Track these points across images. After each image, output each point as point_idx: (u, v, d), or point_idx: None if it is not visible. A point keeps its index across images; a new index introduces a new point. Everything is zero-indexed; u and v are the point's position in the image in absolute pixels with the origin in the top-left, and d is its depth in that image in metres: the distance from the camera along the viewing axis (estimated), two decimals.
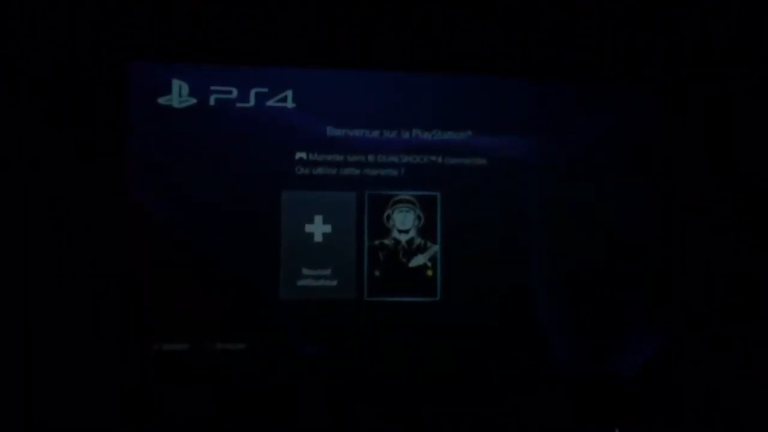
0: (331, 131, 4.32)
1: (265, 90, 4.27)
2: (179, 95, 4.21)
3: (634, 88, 4.42)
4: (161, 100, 4.21)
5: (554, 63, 4.32)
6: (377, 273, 4.31)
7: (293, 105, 4.29)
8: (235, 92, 4.25)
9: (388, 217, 4.34)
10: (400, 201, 4.35)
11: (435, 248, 4.35)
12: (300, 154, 4.30)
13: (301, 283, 4.27)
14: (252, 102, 4.27)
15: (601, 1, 4.28)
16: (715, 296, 4.20)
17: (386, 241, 4.34)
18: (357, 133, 4.34)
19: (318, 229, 4.30)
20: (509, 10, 4.30)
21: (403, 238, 4.34)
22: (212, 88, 4.24)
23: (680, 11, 4.27)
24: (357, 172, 4.34)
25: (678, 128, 4.32)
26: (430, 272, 4.34)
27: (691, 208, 4.27)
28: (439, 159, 4.36)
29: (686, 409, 4.11)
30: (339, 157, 4.32)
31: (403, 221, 4.35)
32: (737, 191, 4.24)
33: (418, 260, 4.36)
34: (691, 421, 4.09)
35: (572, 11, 4.30)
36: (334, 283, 4.29)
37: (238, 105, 4.26)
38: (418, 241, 4.35)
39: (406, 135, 4.36)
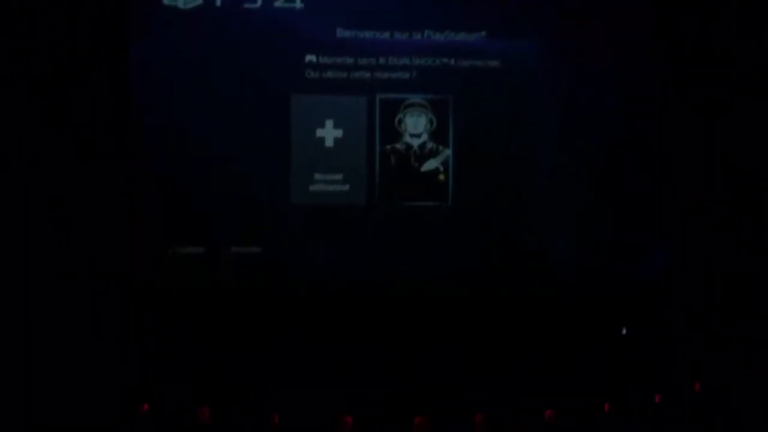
0: (341, 33, 4.20)
1: None
2: None
3: None
4: (166, 1, 4.10)
5: None
6: (388, 178, 4.30)
7: (301, 5, 4.16)
8: None
9: (400, 122, 4.29)
10: (412, 105, 4.28)
11: (447, 152, 4.31)
12: (309, 57, 4.21)
13: (313, 188, 4.28)
14: (259, 2, 4.14)
15: None
16: (720, 206, 4.19)
17: (398, 146, 4.30)
18: (367, 34, 4.21)
19: (329, 133, 4.27)
20: None
21: (415, 142, 4.30)
22: None
23: None
24: (367, 75, 4.25)
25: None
26: (441, 177, 4.32)
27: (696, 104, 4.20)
28: (452, 61, 4.26)
29: (692, 314, 4.19)
30: (349, 60, 4.23)
31: (415, 125, 4.29)
32: (737, 83, 4.14)
33: (430, 165, 4.33)
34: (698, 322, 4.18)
35: None
36: (346, 187, 4.29)
37: (245, 5, 4.13)
38: (430, 145, 4.31)
39: (417, 36, 4.24)
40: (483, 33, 4.25)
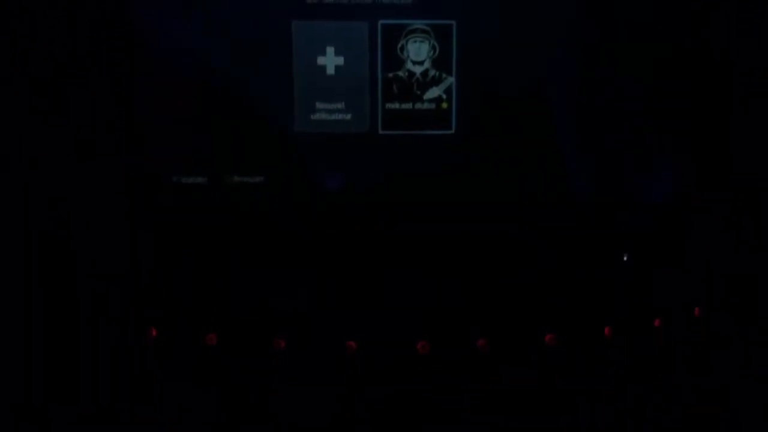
0: None
1: None
2: None
3: None
4: None
5: None
6: (391, 106, 4.26)
7: None
8: None
9: (402, 48, 4.22)
10: (414, 31, 4.20)
11: (450, 80, 4.26)
12: None
13: (315, 116, 4.25)
14: None
15: None
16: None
17: (400, 73, 4.24)
18: None
19: (330, 61, 4.21)
20: None
21: (418, 69, 4.24)
22: None
23: None
24: (369, 0, 4.16)
25: None
26: (444, 105, 4.28)
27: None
28: None
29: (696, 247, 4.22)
30: None
31: (418, 52, 4.23)
32: None
33: (433, 92, 4.28)
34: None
35: None
36: (348, 116, 4.25)
37: None
38: (432, 72, 4.25)
39: None
40: None
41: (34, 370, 3.60)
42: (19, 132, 3.82)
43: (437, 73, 4.26)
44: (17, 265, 3.69)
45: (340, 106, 4.26)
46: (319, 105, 4.25)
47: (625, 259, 4.35)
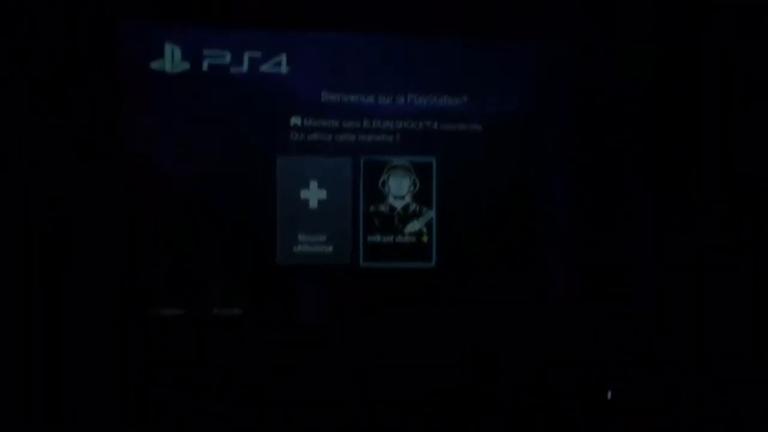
0: (326, 96, 4.29)
1: (259, 54, 4.22)
2: (172, 60, 4.15)
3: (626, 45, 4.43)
4: (154, 65, 4.15)
5: (549, 24, 4.29)
6: (372, 239, 4.32)
7: (287, 69, 4.25)
8: (228, 56, 4.20)
9: (384, 183, 4.34)
10: (396, 167, 4.34)
11: (430, 214, 4.36)
12: (295, 120, 4.27)
13: (297, 248, 4.27)
14: (245, 67, 4.22)
15: None
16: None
17: (381, 207, 4.34)
18: (352, 98, 4.30)
19: (313, 194, 4.30)
20: None
21: (399, 204, 4.35)
22: (205, 52, 4.18)
23: None
24: (352, 137, 4.32)
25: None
26: (425, 238, 4.35)
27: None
28: (435, 124, 4.35)
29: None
30: (334, 123, 4.30)
31: (399, 187, 4.35)
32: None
33: (414, 226, 4.37)
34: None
35: None
36: (330, 249, 4.29)
37: (232, 70, 4.21)
38: (413, 206, 4.35)
39: (401, 100, 4.34)
40: (465, 97, 4.37)
41: (34, 373, 3.50)
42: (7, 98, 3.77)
43: (418, 207, 4.36)
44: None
45: (322, 238, 4.30)
46: (301, 237, 4.29)
47: (609, 397, 4.30)
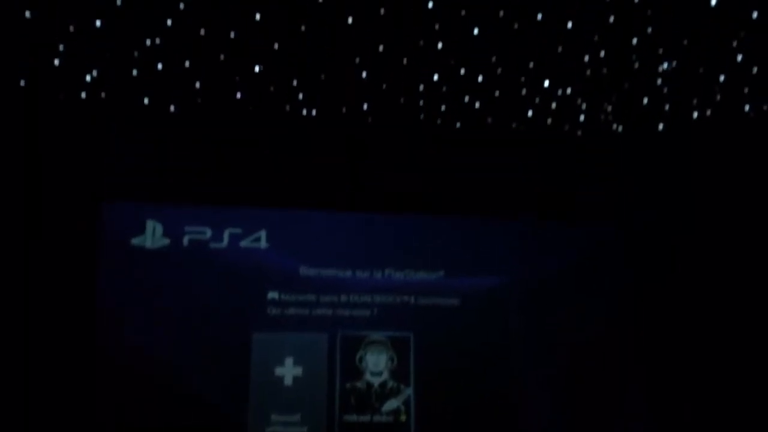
0: (304, 271, 4.32)
1: (239, 230, 4.30)
2: (153, 235, 4.21)
3: (597, 225, 4.56)
4: (134, 241, 4.21)
5: (521, 203, 4.46)
6: (348, 418, 4.15)
7: (267, 245, 4.32)
8: (209, 232, 4.28)
9: (361, 359, 4.25)
10: (373, 342, 4.28)
11: (408, 391, 4.23)
12: (272, 295, 4.27)
13: (269, 429, 4.09)
14: (225, 242, 4.29)
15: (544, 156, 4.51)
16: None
17: (358, 384, 4.22)
18: (329, 272, 4.34)
19: (288, 371, 4.19)
20: (478, 153, 4.48)
21: (376, 380, 4.23)
22: (186, 228, 4.26)
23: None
24: (329, 312, 4.29)
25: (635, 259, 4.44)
26: (403, 417, 4.20)
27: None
28: (412, 299, 4.35)
29: None
30: (311, 297, 4.29)
31: (376, 363, 4.26)
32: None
33: (392, 404, 4.22)
34: None
35: (532, 155, 4.51)
36: (305, 429, 4.11)
37: (212, 245, 4.27)
38: (391, 383, 4.24)
39: (378, 275, 4.37)
40: (442, 272, 4.41)
41: None
42: None
43: (395, 384, 4.24)
44: None
45: (296, 418, 4.13)
46: (274, 417, 4.11)
47: None
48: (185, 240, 4.26)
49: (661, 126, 4.25)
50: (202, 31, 3.85)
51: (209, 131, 4.32)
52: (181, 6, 3.70)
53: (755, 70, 3.79)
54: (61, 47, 3.74)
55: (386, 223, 4.43)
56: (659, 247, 4.44)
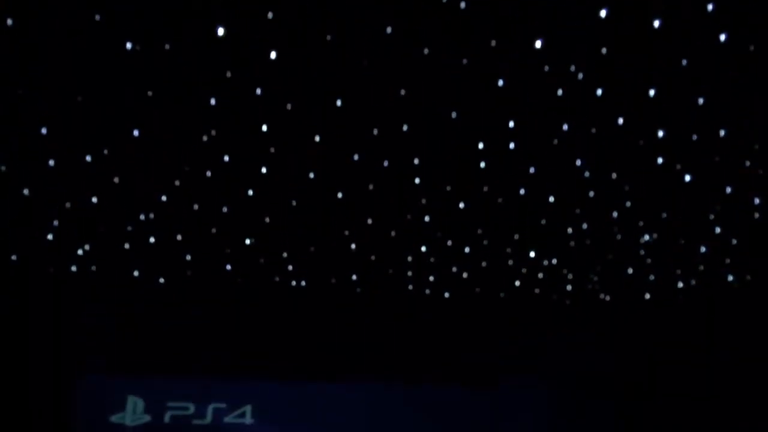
0: None
1: (224, 405, 4.18)
2: (133, 412, 4.08)
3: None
4: (113, 419, 4.07)
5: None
6: None
7: (252, 420, 4.18)
8: (192, 408, 4.15)
9: None
10: None
11: None
12: None
13: None
14: (209, 418, 4.15)
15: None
16: None
17: None
18: None
19: None
20: (467, 323, 4.47)
21: None
22: (168, 404, 4.14)
23: None
24: None
25: None
26: None
27: None
28: None
29: None
30: None
31: None
32: None
33: None
34: None
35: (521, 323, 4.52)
36: None
37: (195, 422, 4.13)
38: None
39: None
40: None
41: None
42: None
43: None
44: None
45: None
46: None
47: None
48: (167, 416, 4.12)
49: (647, 295, 4.29)
50: (196, 206, 3.93)
51: (197, 303, 4.30)
52: (177, 183, 3.81)
53: (734, 241, 3.88)
54: (55, 222, 3.80)
55: (373, 396, 4.32)
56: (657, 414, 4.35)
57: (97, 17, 2.53)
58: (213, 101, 3.18)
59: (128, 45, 2.64)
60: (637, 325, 4.51)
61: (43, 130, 3.08)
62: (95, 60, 2.69)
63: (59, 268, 3.98)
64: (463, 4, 2.65)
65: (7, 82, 2.80)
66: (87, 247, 3.93)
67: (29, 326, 4.04)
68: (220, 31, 2.62)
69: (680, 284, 4.22)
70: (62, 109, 2.97)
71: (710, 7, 2.53)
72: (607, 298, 4.49)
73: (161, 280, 4.23)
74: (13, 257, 3.89)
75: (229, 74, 2.92)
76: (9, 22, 2.52)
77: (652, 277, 4.22)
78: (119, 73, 2.77)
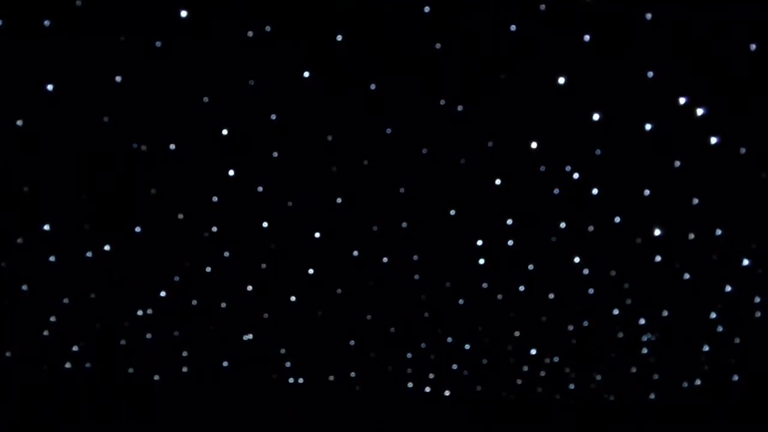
0: None
1: None
2: None
3: None
4: None
5: None
6: None
7: None
8: None
9: None
10: None
11: None
12: None
13: None
14: None
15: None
16: None
17: None
18: None
19: None
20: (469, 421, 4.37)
21: None
22: None
23: None
24: None
25: None
26: None
27: None
28: None
29: None
30: None
31: None
32: None
33: None
34: None
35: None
36: None
37: None
38: None
39: None
40: None
41: None
42: None
43: None
44: None
45: None
46: None
47: None
48: None
49: (652, 395, 4.20)
50: (194, 302, 3.93)
51: (193, 401, 4.22)
52: (176, 278, 3.81)
53: (737, 340, 3.84)
54: (53, 318, 3.78)
55: None
56: None
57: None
58: (215, 198, 3.23)
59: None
60: (643, 425, 4.40)
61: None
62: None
63: (52, 366, 3.93)
64: (460, 107, 2.74)
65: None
66: (81, 344, 3.90)
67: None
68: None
69: (685, 384, 4.14)
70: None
71: (700, 111, 2.61)
72: (611, 398, 4.40)
73: (156, 378, 4.16)
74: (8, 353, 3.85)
75: (231, 173, 2.98)
76: None
77: (656, 377, 4.15)
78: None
